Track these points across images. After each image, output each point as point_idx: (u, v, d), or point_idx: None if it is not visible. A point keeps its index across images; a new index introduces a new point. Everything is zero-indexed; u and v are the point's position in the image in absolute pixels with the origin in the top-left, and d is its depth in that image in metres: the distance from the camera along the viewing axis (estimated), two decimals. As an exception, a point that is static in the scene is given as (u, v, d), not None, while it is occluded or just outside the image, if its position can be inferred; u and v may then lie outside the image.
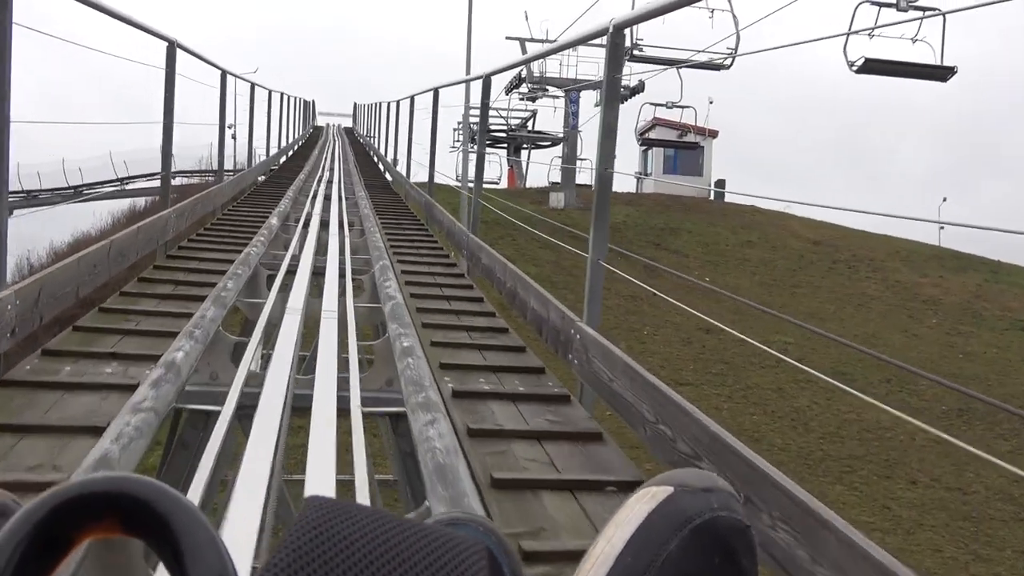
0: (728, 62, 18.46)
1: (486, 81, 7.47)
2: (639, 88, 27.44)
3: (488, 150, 32.60)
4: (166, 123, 6.83)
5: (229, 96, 13.81)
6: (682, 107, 25.71)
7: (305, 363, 3.91)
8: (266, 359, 3.68)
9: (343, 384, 3.01)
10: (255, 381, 2.96)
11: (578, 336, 3.63)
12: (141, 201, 24.02)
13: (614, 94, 3.67)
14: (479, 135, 8.01)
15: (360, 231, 7.41)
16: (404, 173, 14.02)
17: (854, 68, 17.04)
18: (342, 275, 5.52)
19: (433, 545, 0.41)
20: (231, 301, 3.88)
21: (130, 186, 32.02)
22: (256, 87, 15.87)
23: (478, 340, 4.41)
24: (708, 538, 0.59)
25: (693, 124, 27.29)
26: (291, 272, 5.44)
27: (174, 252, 6.42)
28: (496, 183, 31.23)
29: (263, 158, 17.30)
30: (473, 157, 30.20)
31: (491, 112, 32.02)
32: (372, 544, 0.39)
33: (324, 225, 7.62)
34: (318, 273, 5.67)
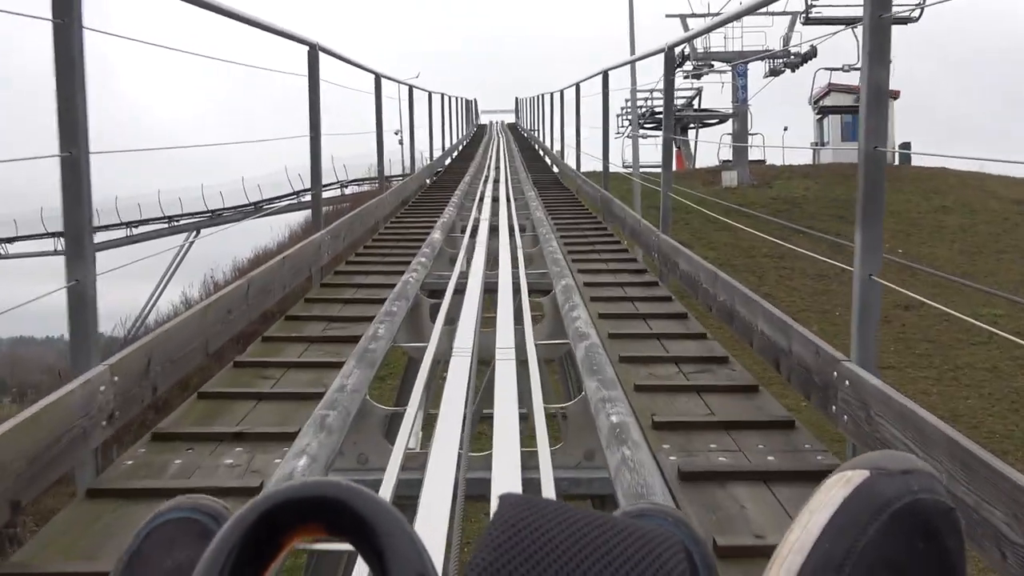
0: (916, 14, 16.61)
1: (669, 54, 6.51)
2: (811, 54, 25.57)
3: (652, 132, 31.31)
4: (313, 136, 5.93)
5: (393, 102, 13.65)
6: (860, 69, 23.83)
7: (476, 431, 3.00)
8: (429, 426, 2.81)
9: (529, 459, 2.30)
10: (414, 464, 2.42)
11: (846, 382, 2.58)
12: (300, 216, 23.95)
13: (881, 43, 2.58)
14: (665, 117, 7.00)
15: (533, 237, 6.52)
16: (573, 165, 13.09)
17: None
18: (517, 291, 4.65)
19: (631, 540, 0.39)
20: (381, 356, 3.01)
21: (306, 197, 32.38)
22: (415, 89, 15.19)
23: (697, 379, 3.42)
24: (909, 522, 0.56)
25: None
26: (459, 291, 4.60)
27: (330, 279, 5.66)
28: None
29: (428, 161, 16.75)
30: (643, 142, 28.91)
31: (656, 93, 30.83)
32: (570, 540, 0.38)
33: (493, 231, 6.83)
34: (490, 290, 4.82)
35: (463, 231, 6.91)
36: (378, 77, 10.09)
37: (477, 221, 7.45)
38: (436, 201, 9.67)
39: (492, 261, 5.56)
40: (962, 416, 14.22)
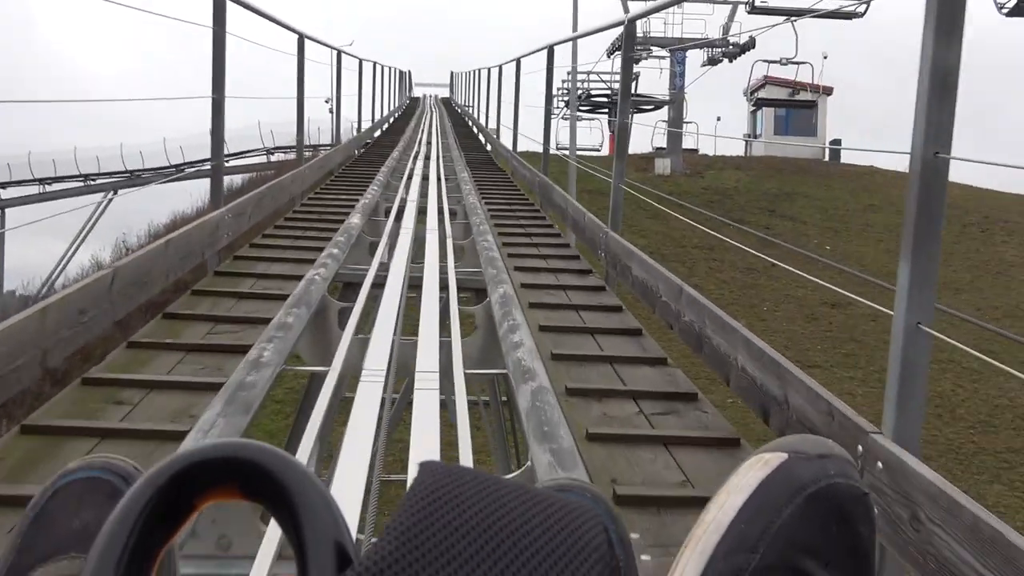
0: (862, 9, 16.15)
1: (630, 28, 5.85)
2: (750, 45, 25.13)
3: (587, 115, 30.70)
4: (215, 98, 5.13)
5: (318, 67, 12.85)
6: (797, 63, 23.43)
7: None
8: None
9: None
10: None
11: (879, 464, 1.91)
12: (237, 179, 22.78)
13: (952, 16, 1.88)
14: (621, 100, 6.13)
15: (465, 226, 5.78)
16: (509, 146, 12.33)
17: (1004, 11, 14.71)
18: (444, 289, 3.93)
19: (551, 511, 0.39)
20: (262, 393, 2.24)
21: (229, 163, 31.11)
22: (344, 55, 14.18)
23: (662, 426, 2.73)
24: (824, 505, 0.56)
25: (810, 81, 24.85)
26: (377, 285, 3.86)
27: (227, 267, 4.77)
28: (597, 150, 29.21)
29: (356, 133, 15.87)
30: (578, 124, 28.17)
31: (593, 76, 30.17)
32: (490, 509, 0.37)
33: (421, 215, 6.06)
34: (414, 286, 4.09)
35: (387, 213, 6.13)
36: (301, 37, 9.23)
37: (404, 202, 6.69)
38: (361, 177, 8.83)
39: (419, 252, 4.81)
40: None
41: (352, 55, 16.02)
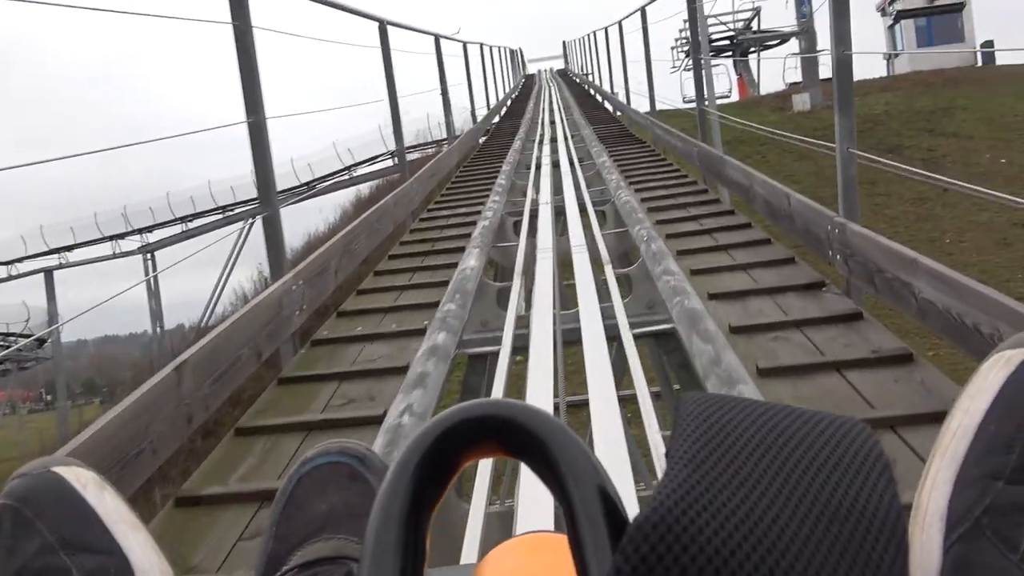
0: None
1: None
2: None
3: (714, 62, 28.48)
4: (392, 102, 6.79)
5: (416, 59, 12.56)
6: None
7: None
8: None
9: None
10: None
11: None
12: (365, 188, 21.77)
13: None
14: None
15: (620, 234, 4.21)
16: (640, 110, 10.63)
17: None
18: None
19: (826, 427, 0.36)
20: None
21: (357, 172, 30.35)
22: (467, 45, 14.56)
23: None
24: None
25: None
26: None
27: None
28: (727, 96, 26.88)
29: (472, 124, 14.53)
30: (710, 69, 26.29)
31: (709, 19, 27.89)
32: (766, 429, 0.36)
33: (559, 216, 4.78)
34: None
35: (516, 229, 4.69)
36: (437, 38, 10.33)
37: (535, 206, 5.23)
38: (479, 180, 7.38)
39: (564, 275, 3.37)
40: None
41: (456, 39, 14.81)
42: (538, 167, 7.49)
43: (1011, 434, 0.50)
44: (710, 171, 5.78)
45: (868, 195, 18.53)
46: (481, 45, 17.57)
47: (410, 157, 26.41)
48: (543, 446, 0.40)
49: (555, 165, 7.51)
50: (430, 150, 20.89)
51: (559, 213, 5.31)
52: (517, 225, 4.79)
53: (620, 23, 15.18)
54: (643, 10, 12.12)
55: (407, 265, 4.49)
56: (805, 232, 3.59)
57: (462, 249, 4.13)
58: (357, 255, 4.18)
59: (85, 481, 0.62)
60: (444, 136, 21.41)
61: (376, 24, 6.98)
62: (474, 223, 4.89)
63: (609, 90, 17.14)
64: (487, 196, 5.84)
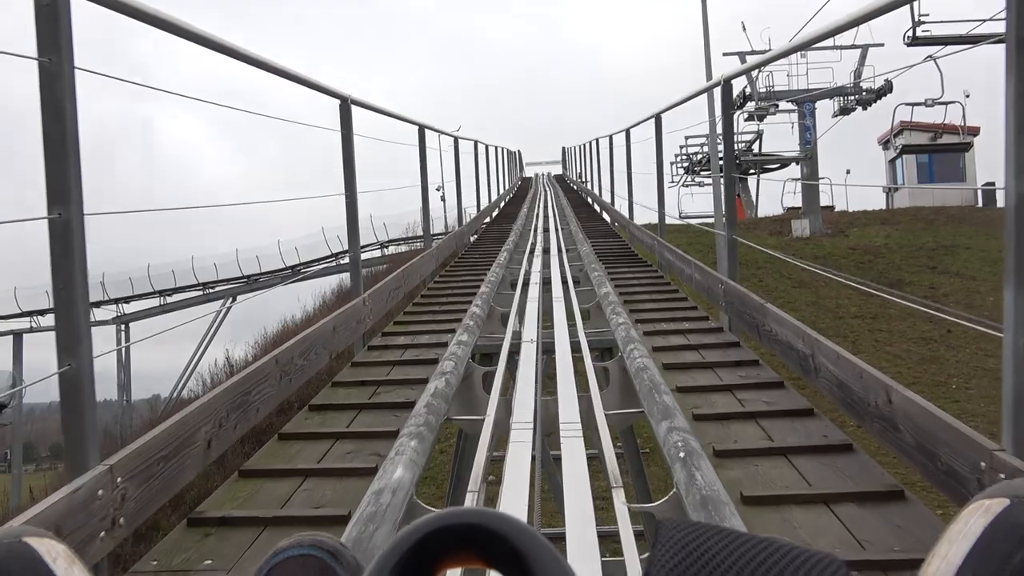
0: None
1: (726, 88, 5.66)
2: (886, 89, 21.74)
3: (707, 180, 27.68)
4: (348, 195, 5.26)
5: (433, 156, 12.07)
6: (945, 103, 19.92)
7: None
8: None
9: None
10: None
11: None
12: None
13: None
14: (726, 156, 6.01)
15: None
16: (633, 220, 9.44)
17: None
18: None
19: (798, 561, 0.37)
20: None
21: (344, 259, 29.18)
22: (460, 140, 13.73)
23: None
24: None
25: (960, 122, 21.16)
26: None
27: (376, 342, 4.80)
28: (724, 215, 25.97)
29: (465, 222, 13.41)
30: (699, 190, 25.21)
31: (709, 137, 27.16)
32: (741, 563, 0.36)
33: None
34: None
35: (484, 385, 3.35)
36: (422, 128, 9.35)
37: (517, 340, 3.94)
38: (435, 311, 6.05)
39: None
40: None
41: (466, 138, 15.08)
42: (525, 283, 6.22)
43: None
44: (743, 320, 4.45)
45: (869, 330, 17.36)
46: (476, 142, 16.56)
47: (398, 250, 25.23)
48: (523, 559, 0.39)
49: (546, 281, 6.25)
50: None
51: (547, 351, 4.03)
52: (488, 379, 3.44)
53: (628, 131, 14.20)
54: (658, 117, 11.09)
55: (321, 429, 3.16)
56: (918, 448, 2.26)
57: (409, 406, 2.80)
58: (251, 410, 2.85)
59: (55, 555, 0.59)
60: (442, 230, 20.44)
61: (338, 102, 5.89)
62: (435, 360, 3.59)
63: (609, 200, 16.11)
64: (459, 320, 4.52)
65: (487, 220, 15.67)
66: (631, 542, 1.93)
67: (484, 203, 16.90)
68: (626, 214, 13.23)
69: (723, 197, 5.83)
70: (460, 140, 13.92)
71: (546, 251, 8.52)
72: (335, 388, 3.91)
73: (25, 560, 0.58)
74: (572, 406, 2.92)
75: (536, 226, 11.39)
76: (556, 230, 10.77)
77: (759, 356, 4.14)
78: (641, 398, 2.88)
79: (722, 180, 7.54)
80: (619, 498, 2.22)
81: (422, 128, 9.35)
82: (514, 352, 4.15)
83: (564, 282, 6.32)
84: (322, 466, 2.91)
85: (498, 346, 4.34)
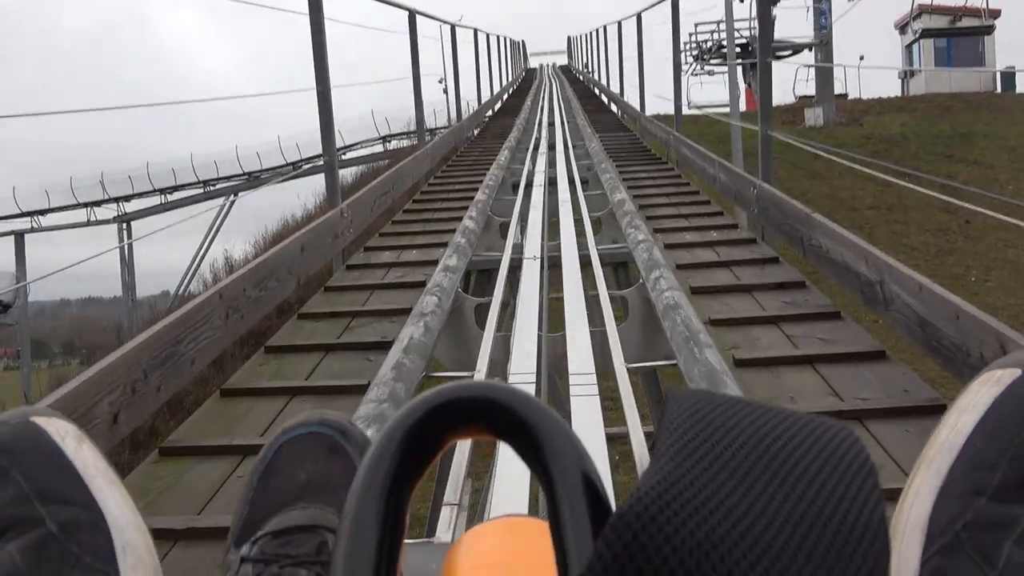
0: None
1: None
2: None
3: (717, 68, 26.51)
4: (320, 91, 4.60)
5: (432, 46, 11.71)
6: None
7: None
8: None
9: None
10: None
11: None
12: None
13: None
14: (760, 34, 4.99)
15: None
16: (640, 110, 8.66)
17: None
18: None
19: (817, 431, 0.35)
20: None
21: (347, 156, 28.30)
22: (457, 28, 12.84)
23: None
24: None
25: (982, 5, 19.88)
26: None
27: (357, 259, 4.20)
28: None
29: (460, 118, 12.63)
30: (709, 79, 24.13)
31: (721, 25, 25.85)
32: (751, 430, 0.35)
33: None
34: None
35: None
36: (412, 14, 8.61)
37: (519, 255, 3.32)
38: (460, 185, 5.39)
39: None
40: None
41: (467, 26, 14.39)
42: (528, 186, 5.54)
43: (997, 452, 0.49)
44: (781, 231, 3.77)
45: (885, 222, 16.64)
46: (476, 31, 15.56)
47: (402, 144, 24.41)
48: (530, 429, 0.40)
49: (551, 183, 5.58)
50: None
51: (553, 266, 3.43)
52: (481, 312, 2.81)
53: (639, 15, 13.25)
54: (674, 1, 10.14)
55: (274, 383, 2.52)
56: None
57: (386, 347, 2.17)
58: (183, 362, 2.22)
59: (64, 433, 0.59)
60: (436, 125, 19.51)
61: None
62: (423, 283, 2.98)
63: (617, 92, 15.21)
64: (454, 228, 3.88)
65: (489, 114, 14.82)
66: None
67: (485, 96, 16.03)
68: (637, 106, 12.41)
69: (758, 86, 4.96)
70: (458, 28, 13.11)
71: (551, 147, 7.79)
72: (301, 322, 3.26)
73: (33, 439, 0.58)
74: (585, 352, 2.33)
75: (541, 120, 10.60)
76: (562, 124, 9.98)
77: (804, 276, 3.50)
78: (674, 348, 2.26)
79: (754, 67, 6.72)
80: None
81: (412, 13, 8.66)
82: (515, 268, 3.57)
83: (571, 183, 5.62)
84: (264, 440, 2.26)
85: (496, 261, 3.72)
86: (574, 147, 7.55)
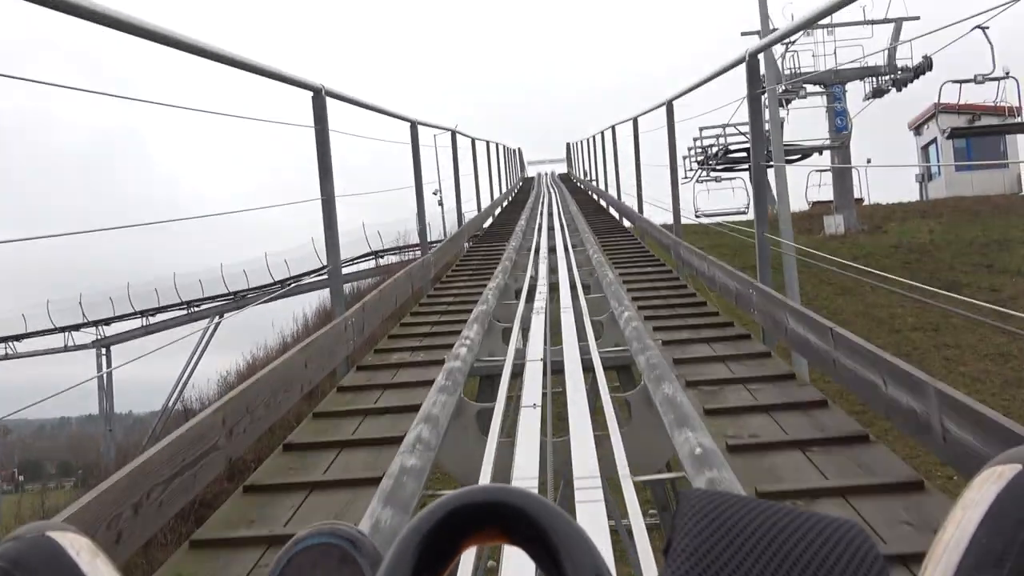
0: None
1: (751, 64, 5.05)
2: (925, 67, 20.25)
3: (725, 174, 26.20)
4: (325, 200, 4.99)
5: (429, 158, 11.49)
6: (997, 79, 18.40)
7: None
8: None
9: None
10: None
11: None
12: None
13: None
14: (753, 145, 5.20)
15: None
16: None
17: None
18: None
19: (826, 529, 0.38)
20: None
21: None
22: (457, 135, 13.11)
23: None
24: None
25: (1004, 102, 19.64)
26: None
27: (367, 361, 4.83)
28: (744, 212, 24.38)
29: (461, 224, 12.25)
30: (716, 186, 23.87)
31: (729, 129, 25.72)
32: (763, 529, 0.37)
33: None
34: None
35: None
36: (414, 124, 8.79)
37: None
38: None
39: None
40: None
41: (465, 135, 14.49)
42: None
43: (1002, 548, 0.50)
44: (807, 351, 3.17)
45: (935, 346, 15.29)
46: (474, 140, 15.26)
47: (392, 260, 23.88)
48: (546, 535, 0.40)
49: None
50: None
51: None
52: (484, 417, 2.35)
53: (636, 119, 12.90)
54: (670, 104, 9.88)
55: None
56: None
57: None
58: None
59: (79, 547, 0.60)
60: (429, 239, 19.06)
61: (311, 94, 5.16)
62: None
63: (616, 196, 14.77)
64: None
65: (482, 228, 14.33)
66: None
67: (484, 205, 15.68)
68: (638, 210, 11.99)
69: (751, 189, 4.55)
70: (458, 135, 13.16)
71: (553, 273, 7.01)
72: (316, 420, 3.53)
73: (49, 553, 0.59)
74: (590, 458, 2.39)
75: (539, 243, 9.55)
76: (561, 228, 9.32)
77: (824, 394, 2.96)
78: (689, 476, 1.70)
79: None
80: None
81: (414, 124, 8.79)
82: (517, 374, 3.56)
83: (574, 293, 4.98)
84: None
85: (499, 366, 3.68)
86: (578, 266, 6.81)
